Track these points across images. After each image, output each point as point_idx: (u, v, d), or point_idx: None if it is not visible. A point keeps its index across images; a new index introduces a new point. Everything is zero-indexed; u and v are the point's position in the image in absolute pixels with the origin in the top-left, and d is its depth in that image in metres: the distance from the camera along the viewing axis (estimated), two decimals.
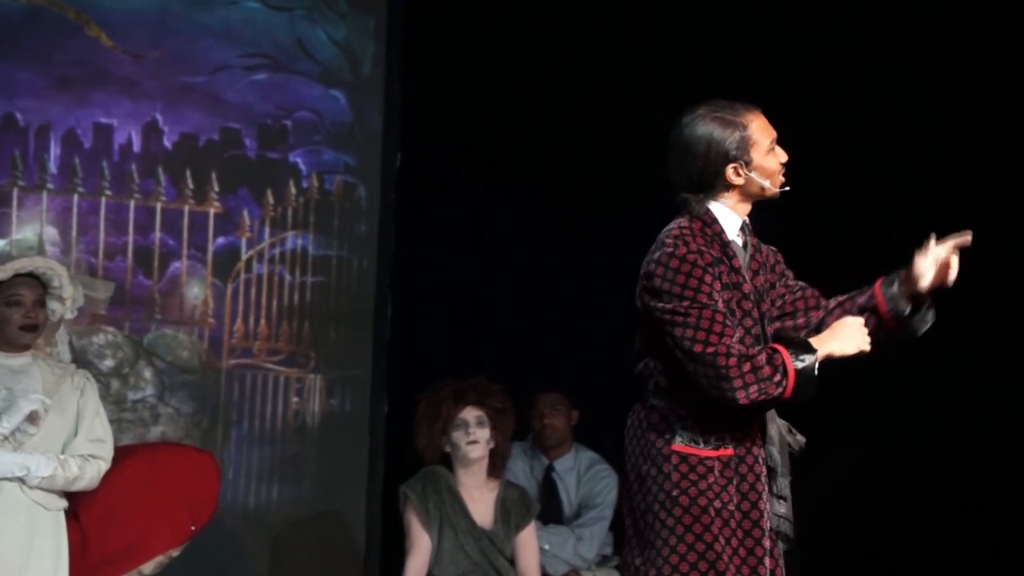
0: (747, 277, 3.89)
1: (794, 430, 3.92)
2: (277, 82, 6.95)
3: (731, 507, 3.83)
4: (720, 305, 3.79)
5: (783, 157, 3.93)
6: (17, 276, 4.77)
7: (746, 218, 3.95)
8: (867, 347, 3.78)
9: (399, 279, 7.09)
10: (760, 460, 3.85)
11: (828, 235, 6.70)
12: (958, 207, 6.55)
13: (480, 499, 5.56)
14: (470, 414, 5.56)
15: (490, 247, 6.98)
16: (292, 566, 6.91)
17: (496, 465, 5.63)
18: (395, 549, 5.82)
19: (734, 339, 3.75)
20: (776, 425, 3.89)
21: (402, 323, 7.07)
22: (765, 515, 3.84)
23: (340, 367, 7.03)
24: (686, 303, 3.78)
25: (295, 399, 6.97)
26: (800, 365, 3.72)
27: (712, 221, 3.89)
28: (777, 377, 3.71)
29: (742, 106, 3.93)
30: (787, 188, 3.93)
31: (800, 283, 4.05)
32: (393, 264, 7.09)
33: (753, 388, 3.71)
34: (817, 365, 3.74)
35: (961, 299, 6.44)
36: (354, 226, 7.08)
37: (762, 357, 3.72)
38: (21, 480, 4.68)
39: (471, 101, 7.04)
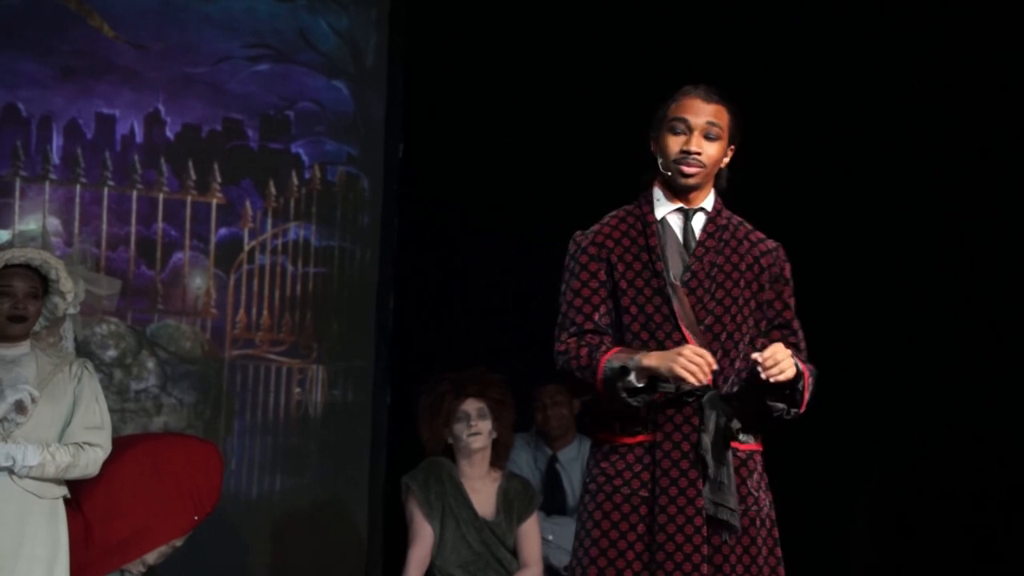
0: (666, 256, 3.89)
1: (738, 424, 3.86)
2: (279, 73, 6.95)
3: (643, 493, 3.84)
4: (587, 289, 3.89)
5: (685, 143, 3.90)
6: (10, 267, 4.73)
7: (703, 204, 3.95)
8: (683, 374, 3.71)
9: (401, 270, 7.10)
10: (683, 447, 3.83)
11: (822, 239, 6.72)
12: (945, 211, 6.59)
13: (482, 490, 5.58)
14: (471, 406, 5.58)
15: (493, 238, 6.97)
16: (295, 556, 6.92)
17: (499, 456, 5.64)
18: (397, 540, 5.83)
19: (574, 330, 3.88)
20: (714, 413, 3.85)
21: (404, 314, 7.08)
22: (686, 502, 3.80)
23: (342, 358, 7.04)
24: (563, 284, 3.95)
25: (297, 390, 6.98)
26: (606, 374, 3.79)
27: (646, 201, 3.96)
28: (589, 376, 3.82)
29: (695, 86, 3.96)
30: (687, 178, 3.90)
31: (777, 318, 3.98)
32: (395, 255, 7.10)
33: (570, 378, 3.88)
34: (634, 375, 3.76)
35: (964, 301, 6.51)
36: (357, 217, 7.09)
37: (584, 360, 3.83)
38: (9, 470, 4.66)
39: (474, 91, 7.04)
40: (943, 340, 6.55)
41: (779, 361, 3.73)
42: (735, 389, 3.88)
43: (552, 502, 6.34)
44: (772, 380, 3.74)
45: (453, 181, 7.01)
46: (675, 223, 3.95)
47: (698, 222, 3.96)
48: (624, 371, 3.78)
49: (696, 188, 3.95)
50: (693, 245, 3.93)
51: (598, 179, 6.92)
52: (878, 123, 6.75)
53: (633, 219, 3.96)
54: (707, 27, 6.90)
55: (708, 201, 3.98)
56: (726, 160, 4.00)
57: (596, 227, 3.98)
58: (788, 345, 3.90)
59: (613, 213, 4.00)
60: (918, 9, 6.59)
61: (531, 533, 5.60)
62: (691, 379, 3.72)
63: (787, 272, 4.02)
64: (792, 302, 4.01)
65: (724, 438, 3.84)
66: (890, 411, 6.63)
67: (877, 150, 6.78)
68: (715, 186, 4.02)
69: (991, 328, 6.45)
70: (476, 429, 5.56)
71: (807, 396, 3.87)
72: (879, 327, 6.69)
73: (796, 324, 4.00)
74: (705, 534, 3.81)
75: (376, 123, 7.10)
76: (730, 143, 3.98)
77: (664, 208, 3.96)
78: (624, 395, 3.78)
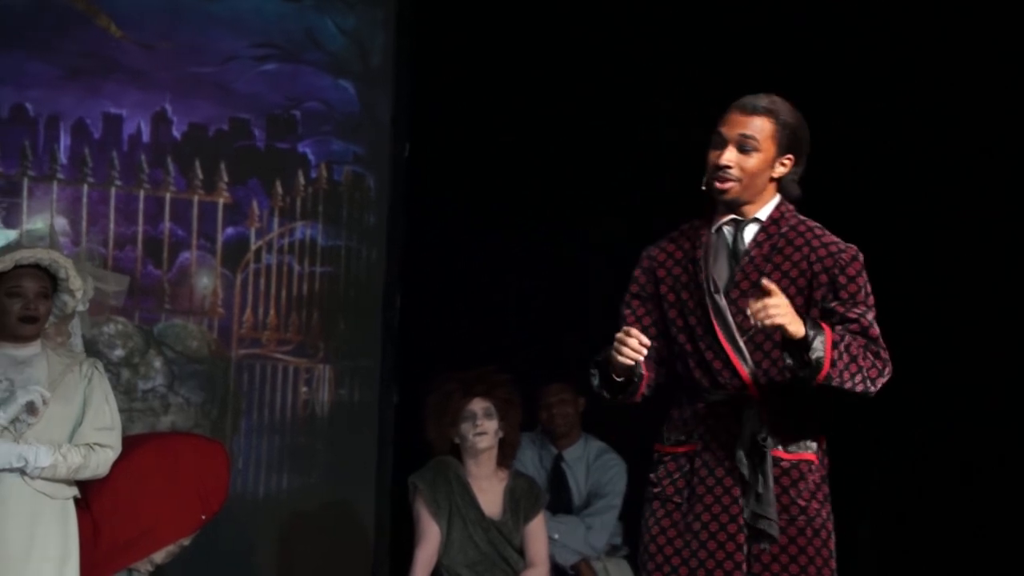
0: (713, 267, 3.93)
1: (765, 434, 3.88)
2: (286, 72, 6.95)
3: (677, 499, 3.93)
4: (636, 300, 4.03)
5: (718, 158, 3.90)
6: (20, 267, 4.72)
7: (758, 215, 3.95)
8: (618, 356, 3.80)
9: (408, 269, 7.10)
10: (719, 455, 3.89)
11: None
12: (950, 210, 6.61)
13: (489, 489, 5.60)
14: (478, 406, 5.60)
15: (498, 237, 6.99)
16: (302, 556, 6.93)
17: (505, 455, 5.67)
18: (404, 539, 5.85)
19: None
20: (749, 427, 3.89)
21: (411, 313, 7.09)
22: (720, 509, 3.87)
23: (349, 357, 7.05)
24: None
25: (304, 389, 6.99)
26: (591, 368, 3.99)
27: (708, 215, 4.00)
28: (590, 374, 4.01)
29: (745, 96, 3.95)
30: (720, 193, 3.92)
31: (833, 315, 3.90)
32: (402, 254, 7.10)
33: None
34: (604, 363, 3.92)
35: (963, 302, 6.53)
36: (363, 216, 7.09)
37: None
38: (21, 471, 4.67)
39: (480, 91, 7.04)
40: (943, 340, 6.57)
41: (768, 306, 3.68)
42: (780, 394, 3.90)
43: (557, 501, 6.36)
44: (760, 324, 3.72)
45: (459, 180, 7.01)
46: (729, 234, 3.97)
47: (749, 232, 3.96)
48: (600, 365, 3.91)
49: (737, 202, 3.94)
50: (737, 253, 3.95)
51: (601, 179, 6.97)
52: (879, 123, 6.76)
53: (693, 231, 4.01)
54: (709, 27, 6.91)
55: (764, 211, 3.95)
56: (780, 170, 3.94)
57: (661, 240, 4.07)
58: (849, 332, 3.83)
59: (683, 225, 4.06)
60: (918, 9, 6.62)
61: (538, 532, 5.63)
62: (620, 358, 3.80)
63: (851, 271, 3.91)
64: (859, 298, 3.90)
65: (758, 447, 3.87)
66: (890, 411, 6.66)
67: (878, 150, 6.80)
68: (784, 195, 3.98)
69: (991, 328, 6.48)
70: (482, 429, 5.58)
71: (830, 359, 3.75)
72: (879, 327, 6.71)
73: (855, 314, 3.87)
74: (740, 542, 3.86)
75: (382, 122, 7.10)
76: (781, 153, 3.91)
77: (717, 220, 3.98)
78: (604, 393, 3.95)
